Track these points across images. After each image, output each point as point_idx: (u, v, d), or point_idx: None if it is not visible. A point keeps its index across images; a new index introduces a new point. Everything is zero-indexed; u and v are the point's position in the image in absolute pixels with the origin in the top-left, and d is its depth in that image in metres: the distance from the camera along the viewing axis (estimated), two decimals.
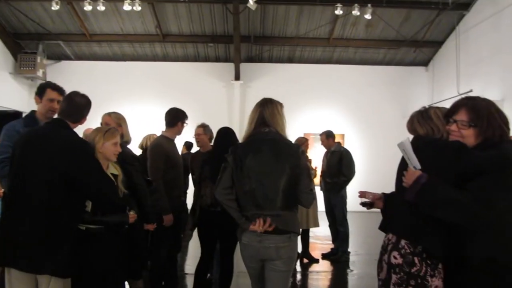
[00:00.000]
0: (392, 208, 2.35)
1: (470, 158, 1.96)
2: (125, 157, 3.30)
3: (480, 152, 1.94)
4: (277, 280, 2.85)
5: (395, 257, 2.09)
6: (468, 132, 2.01)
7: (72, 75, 11.92)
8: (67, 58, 12.80)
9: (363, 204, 2.51)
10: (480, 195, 1.84)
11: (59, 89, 3.37)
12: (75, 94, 2.95)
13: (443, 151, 2.09)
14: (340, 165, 6.31)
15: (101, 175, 2.83)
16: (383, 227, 2.38)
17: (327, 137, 6.63)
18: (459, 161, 1.97)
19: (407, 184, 2.03)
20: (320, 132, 6.83)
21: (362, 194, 2.51)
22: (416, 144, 2.13)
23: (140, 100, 12.44)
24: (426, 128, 2.27)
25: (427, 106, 2.40)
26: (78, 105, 2.88)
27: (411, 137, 2.29)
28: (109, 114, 3.76)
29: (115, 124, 3.60)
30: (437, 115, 2.27)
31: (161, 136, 4.30)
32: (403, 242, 2.08)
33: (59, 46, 12.33)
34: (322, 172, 6.71)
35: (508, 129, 2.01)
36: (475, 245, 1.94)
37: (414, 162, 2.03)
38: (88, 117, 3.06)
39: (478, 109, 2.00)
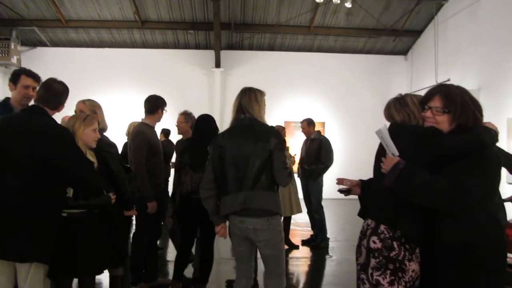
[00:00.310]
0: (369, 194, 2.38)
1: (444, 142, 2.01)
2: (101, 144, 3.26)
3: (454, 136, 2.00)
4: (267, 262, 3.02)
5: (374, 242, 2.12)
6: (442, 118, 2.08)
7: (48, 62, 11.63)
8: (43, 44, 12.47)
9: (340, 191, 2.53)
10: (456, 182, 1.89)
11: (34, 76, 3.29)
12: (53, 80, 2.90)
13: (418, 136, 2.14)
14: (319, 152, 6.39)
15: (83, 160, 2.81)
16: (361, 214, 2.41)
17: (308, 124, 6.68)
18: (434, 146, 2.03)
19: (386, 170, 2.07)
20: (301, 120, 6.86)
21: (340, 181, 2.53)
22: (393, 131, 2.16)
23: (119, 88, 12.26)
24: (402, 114, 2.29)
25: (403, 94, 2.42)
26: (56, 91, 2.83)
27: (388, 124, 2.32)
28: (83, 101, 3.70)
29: (89, 111, 3.55)
30: (413, 101, 2.30)
31: (142, 123, 4.27)
32: (382, 227, 2.12)
33: (34, 32, 12.00)
34: (301, 159, 6.77)
35: (481, 115, 2.08)
36: (451, 230, 1.99)
37: (392, 148, 2.06)
38: (65, 105, 3.01)
39: (452, 96, 2.07)
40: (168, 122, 6.22)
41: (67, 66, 11.90)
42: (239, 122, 3.05)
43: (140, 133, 4.11)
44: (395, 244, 2.07)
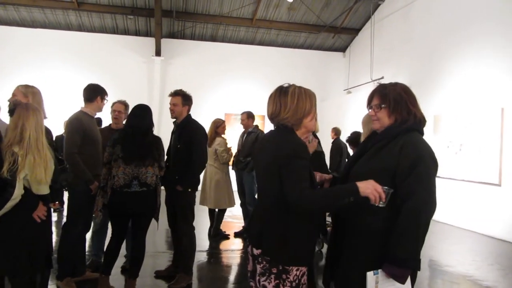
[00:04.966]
0: None
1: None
2: None
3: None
4: None
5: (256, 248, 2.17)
6: (381, 113, 2.18)
7: None
8: None
9: None
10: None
11: None
12: None
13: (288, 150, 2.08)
14: (254, 146, 6.45)
15: None
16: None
17: (248, 117, 6.72)
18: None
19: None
20: (241, 112, 6.90)
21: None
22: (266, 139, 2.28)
23: (52, 72, 11.65)
24: (276, 106, 2.19)
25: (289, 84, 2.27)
26: None
27: None
28: (18, 86, 3.53)
29: (22, 96, 3.38)
30: (294, 93, 2.17)
31: (80, 111, 4.11)
32: None
33: None
34: (238, 151, 6.83)
35: (415, 106, 2.16)
36: (375, 219, 2.06)
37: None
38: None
39: (386, 92, 2.18)
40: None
41: None
42: None
43: (75, 120, 3.98)
44: None
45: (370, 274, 1.98)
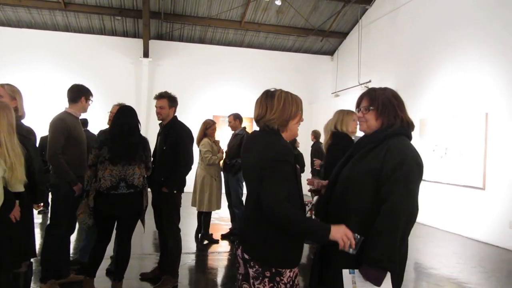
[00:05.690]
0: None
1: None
2: (20, 130, 3.07)
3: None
4: None
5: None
6: (369, 115, 2.20)
7: None
8: None
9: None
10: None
11: None
12: None
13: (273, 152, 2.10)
14: (239, 148, 6.44)
15: None
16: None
17: (235, 118, 6.73)
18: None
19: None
20: (228, 114, 6.92)
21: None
22: (250, 140, 2.27)
23: (38, 73, 11.53)
24: (262, 108, 2.21)
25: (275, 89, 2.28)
26: None
27: None
28: (2, 85, 3.45)
29: (8, 97, 3.33)
30: (280, 96, 2.20)
31: (64, 112, 4.06)
32: None
33: None
34: (226, 153, 6.83)
35: (402, 111, 2.19)
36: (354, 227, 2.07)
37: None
38: None
39: (375, 95, 2.21)
40: (90, 112, 5.96)
41: None
42: None
43: (59, 120, 3.92)
44: None
45: (345, 272, 1.97)
